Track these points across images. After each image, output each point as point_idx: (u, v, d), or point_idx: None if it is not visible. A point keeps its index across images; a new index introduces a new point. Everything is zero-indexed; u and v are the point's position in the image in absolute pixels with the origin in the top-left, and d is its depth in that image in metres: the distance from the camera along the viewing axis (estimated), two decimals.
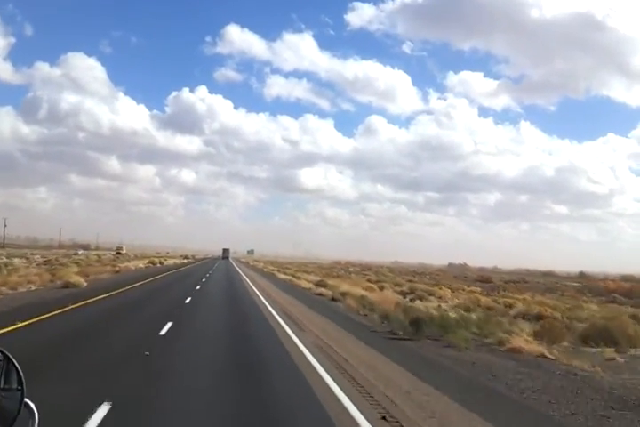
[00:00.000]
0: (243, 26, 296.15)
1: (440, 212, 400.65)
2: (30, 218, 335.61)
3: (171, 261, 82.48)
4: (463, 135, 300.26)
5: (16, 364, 1.90)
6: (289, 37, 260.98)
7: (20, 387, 1.89)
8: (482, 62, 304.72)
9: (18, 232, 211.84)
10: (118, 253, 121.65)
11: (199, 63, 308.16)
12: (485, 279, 76.38)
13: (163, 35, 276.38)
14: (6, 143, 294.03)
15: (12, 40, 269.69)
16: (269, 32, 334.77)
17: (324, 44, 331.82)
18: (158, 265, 71.96)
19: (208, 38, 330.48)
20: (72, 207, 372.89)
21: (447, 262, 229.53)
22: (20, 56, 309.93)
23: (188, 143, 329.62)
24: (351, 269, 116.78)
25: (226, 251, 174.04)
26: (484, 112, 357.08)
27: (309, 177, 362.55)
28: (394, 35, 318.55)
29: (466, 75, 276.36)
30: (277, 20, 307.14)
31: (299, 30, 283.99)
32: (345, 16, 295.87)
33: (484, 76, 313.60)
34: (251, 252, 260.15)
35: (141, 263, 65.15)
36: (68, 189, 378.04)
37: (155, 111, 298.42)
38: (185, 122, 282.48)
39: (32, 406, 1.90)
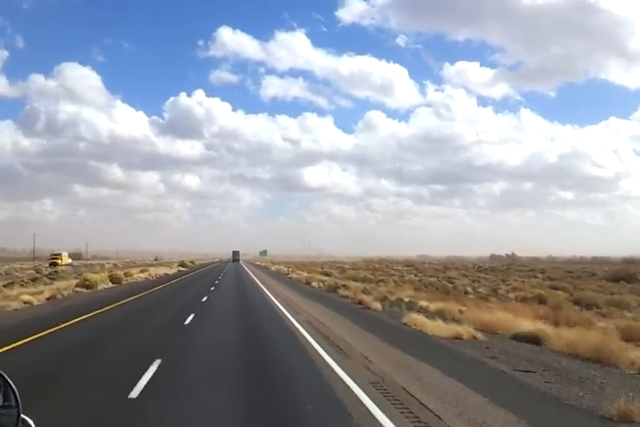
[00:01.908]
0: (234, 27, 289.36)
1: (446, 204, 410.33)
2: (38, 230, 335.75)
3: (151, 273, 57.62)
4: (463, 126, 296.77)
5: (10, 382, 1.89)
6: (282, 36, 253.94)
7: (16, 404, 1.89)
8: (477, 52, 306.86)
9: (24, 245, 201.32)
10: (53, 263, 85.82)
11: (193, 67, 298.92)
12: (624, 274, 50.64)
13: (154, 40, 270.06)
14: (8, 157, 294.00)
15: (5, 53, 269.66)
16: (262, 32, 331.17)
17: (318, 41, 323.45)
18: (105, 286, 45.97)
19: (200, 42, 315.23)
20: (78, 217, 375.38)
21: (477, 253, 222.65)
22: (14, 69, 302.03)
23: (190, 148, 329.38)
24: (396, 269, 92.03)
25: (236, 253, 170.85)
26: (482, 102, 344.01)
27: (313, 175, 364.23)
28: (387, 29, 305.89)
29: (462, 65, 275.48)
30: (269, 19, 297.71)
31: (291, 29, 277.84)
32: (336, 13, 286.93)
33: (481, 65, 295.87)
34: (263, 253, 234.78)
35: (70, 284, 31.18)
36: (73, 200, 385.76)
37: (154, 117, 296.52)
38: (184, 127, 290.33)
39: (30, 421, 1.90)
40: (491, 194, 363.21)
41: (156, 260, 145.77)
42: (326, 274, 63.92)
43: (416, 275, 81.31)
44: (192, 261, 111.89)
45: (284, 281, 48.78)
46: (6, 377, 1.96)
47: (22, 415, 1.91)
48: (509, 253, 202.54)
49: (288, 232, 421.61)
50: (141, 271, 56.02)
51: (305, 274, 55.73)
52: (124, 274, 44.42)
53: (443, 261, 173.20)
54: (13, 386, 1.95)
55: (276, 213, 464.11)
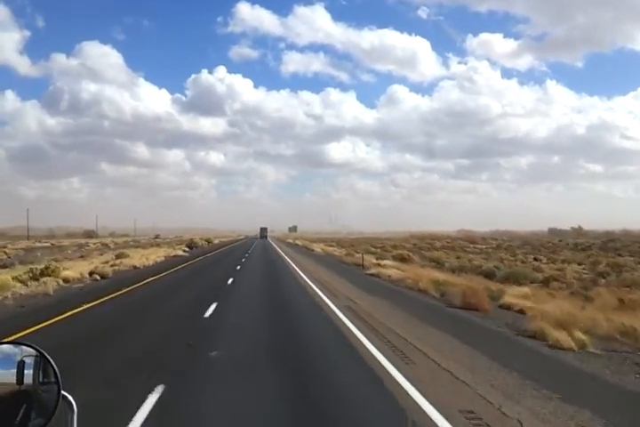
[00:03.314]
0: (253, 3, 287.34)
1: (472, 178, 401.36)
2: (67, 209, 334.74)
3: (135, 261, 35.05)
4: (488, 99, 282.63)
5: (50, 359, 1.83)
6: (301, 11, 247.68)
7: (56, 380, 1.83)
8: (501, 23, 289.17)
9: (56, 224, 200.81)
10: None
11: (213, 44, 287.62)
12: None
13: (174, 18, 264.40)
14: (35, 136, 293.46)
15: (27, 33, 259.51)
16: (280, 7, 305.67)
17: (337, 15, 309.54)
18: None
19: (219, 18, 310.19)
20: (105, 196, 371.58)
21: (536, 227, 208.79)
22: (35, 49, 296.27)
23: (213, 125, 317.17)
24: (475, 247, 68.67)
25: (263, 230, 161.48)
26: (507, 73, 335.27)
27: (336, 151, 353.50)
28: (407, 0, 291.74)
29: (485, 36, 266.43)
30: None
31: (310, 3, 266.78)
32: None
33: (504, 36, 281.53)
34: (293, 229, 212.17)
35: None
36: (100, 178, 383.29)
37: (176, 95, 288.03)
38: (207, 104, 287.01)
39: (70, 398, 1.89)
40: (518, 168, 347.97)
41: (156, 238, 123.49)
42: (436, 262, 40.86)
43: (513, 255, 57.60)
44: (208, 240, 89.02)
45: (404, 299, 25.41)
46: (45, 354, 1.84)
47: (63, 392, 1.83)
48: (575, 227, 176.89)
49: (314, 208, 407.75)
50: (105, 262, 33.54)
51: (389, 268, 32.13)
52: (50, 270, 21.75)
53: (492, 237, 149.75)
54: (53, 363, 1.83)
55: (300, 190, 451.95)
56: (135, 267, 31.36)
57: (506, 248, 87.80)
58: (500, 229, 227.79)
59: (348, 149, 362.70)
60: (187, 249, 61.57)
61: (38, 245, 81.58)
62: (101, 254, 47.62)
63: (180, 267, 31.34)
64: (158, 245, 76.58)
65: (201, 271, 29.08)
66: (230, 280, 21.95)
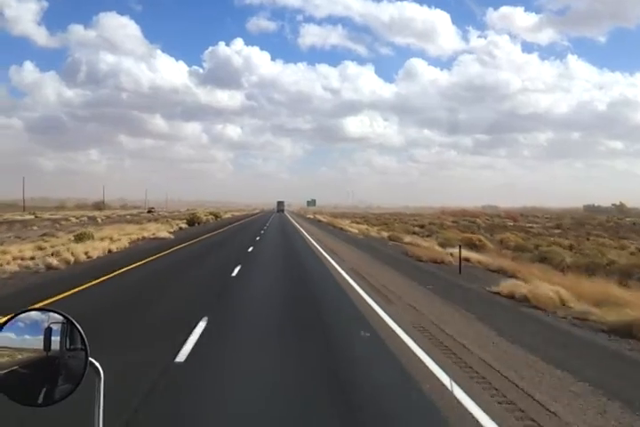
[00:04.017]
0: None
1: (491, 154, 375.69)
2: (85, 180, 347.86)
3: (86, 248, 22.12)
4: (508, 73, 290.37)
5: (77, 325, 1.80)
6: None
7: (83, 347, 1.82)
8: None
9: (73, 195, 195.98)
10: None
11: (231, 15, 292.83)
12: None
13: None
14: (54, 107, 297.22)
15: (45, 4, 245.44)
16: None
17: None
18: None
19: None
20: (123, 167, 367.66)
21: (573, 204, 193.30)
22: (53, 20, 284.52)
23: (230, 98, 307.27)
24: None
25: (280, 204, 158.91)
26: (527, 48, 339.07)
27: (354, 125, 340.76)
28: None
29: (506, 10, 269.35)
30: None
31: None
32: None
33: (525, 10, 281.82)
34: (311, 203, 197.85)
35: None
36: (118, 150, 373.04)
37: (194, 67, 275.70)
38: (224, 77, 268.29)
39: (97, 364, 1.84)
40: (537, 144, 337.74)
41: (150, 211, 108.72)
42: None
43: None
44: (216, 215, 75.16)
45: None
46: (73, 320, 1.81)
47: (90, 358, 1.81)
48: (617, 204, 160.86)
49: (331, 183, 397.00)
50: (40, 248, 20.55)
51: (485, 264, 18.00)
52: None
53: (527, 214, 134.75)
54: (80, 329, 1.81)
55: (317, 164, 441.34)
56: (67, 262, 17.91)
57: (568, 228, 73.34)
58: (527, 206, 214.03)
59: (366, 123, 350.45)
60: (183, 227, 48.09)
61: (18, 218, 68.87)
62: (71, 232, 34.78)
63: (132, 266, 17.48)
64: (156, 219, 63.33)
65: (158, 287, 15.31)
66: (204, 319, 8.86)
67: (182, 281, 14.25)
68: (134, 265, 17.51)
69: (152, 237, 31.08)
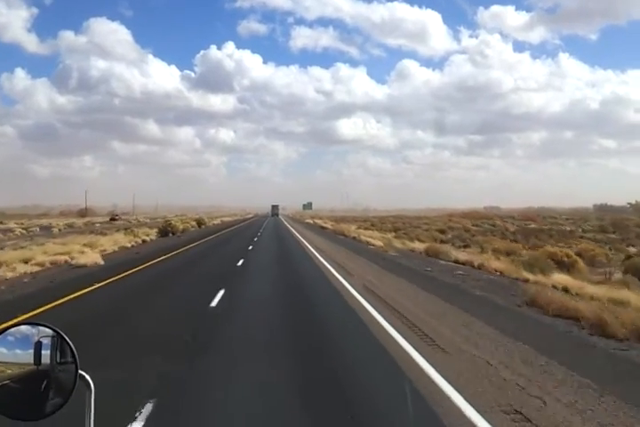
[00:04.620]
0: None
1: (484, 154, 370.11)
2: (79, 186, 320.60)
3: None
4: (500, 73, 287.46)
5: (67, 339, 1.78)
6: None
7: (73, 360, 1.79)
8: None
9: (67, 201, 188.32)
10: None
11: (221, 19, 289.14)
12: None
13: None
14: (46, 114, 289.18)
15: (35, 11, 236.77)
16: None
17: None
18: None
19: None
20: (117, 173, 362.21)
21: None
22: (43, 26, 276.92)
23: (222, 102, 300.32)
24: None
25: (275, 208, 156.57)
26: (519, 47, 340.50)
27: (347, 127, 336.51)
28: None
29: (497, 9, 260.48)
30: None
31: None
32: None
33: (516, 9, 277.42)
34: (308, 206, 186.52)
35: None
36: (112, 156, 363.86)
37: (186, 71, 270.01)
38: (216, 80, 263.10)
39: (87, 377, 1.82)
40: (530, 143, 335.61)
41: (113, 219, 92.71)
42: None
43: None
44: (199, 222, 63.09)
45: None
46: (62, 334, 1.80)
47: (80, 371, 1.80)
48: (632, 203, 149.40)
49: (325, 186, 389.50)
50: None
51: None
52: None
53: (540, 214, 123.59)
54: (70, 342, 1.80)
55: (311, 167, 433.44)
56: None
57: (604, 230, 62.25)
58: (532, 206, 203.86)
59: (359, 125, 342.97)
60: (149, 239, 36.44)
61: None
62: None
63: None
64: (125, 229, 51.60)
65: None
66: None
67: None
68: None
69: (68, 261, 19.34)
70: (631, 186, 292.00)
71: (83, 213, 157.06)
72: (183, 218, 70.56)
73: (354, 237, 38.22)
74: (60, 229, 51.90)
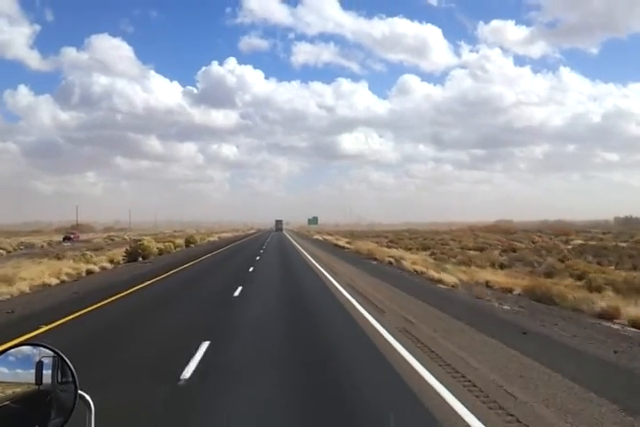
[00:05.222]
0: None
1: (487, 168, 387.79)
2: (82, 202, 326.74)
3: None
4: (501, 87, 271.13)
5: (66, 359, 1.77)
6: (310, 0, 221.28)
7: (73, 380, 1.77)
8: (512, 10, 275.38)
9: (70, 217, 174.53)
10: None
11: (222, 35, 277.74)
12: None
13: (182, 9, 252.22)
14: (49, 131, 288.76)
15: (37, 28, 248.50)
16: None
17: (347, 3, 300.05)
18: None
19: (228, 9, 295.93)
20: (120, 189, 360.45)
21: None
22: (45, 43, 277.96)
23: (225, 117, 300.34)
24: None
25: (278, 222, 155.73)
26: (520, 61, 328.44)
27: (349, 142, 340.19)
28: None
29: (497, 24, 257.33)
30: None
31: None
32: None
33: (516, 23, 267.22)
34: (313, 221, 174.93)
35: None
36: (114, 172, 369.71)
37: (188, 87, 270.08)
38: (218, 96, 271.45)
39: (87, 397, 1.81)
40: (533, 157, 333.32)
41: (67, 238, 73.49)
42: None
43: None
44: (189, 241, 51.66)
45: None
46: (62, 355, 1.79)
47: (80, 391, 1.79)
48: None
49: (328, 201, 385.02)
50: None
51: None
52: None
53: (560, 228, 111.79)
54: (69, 363, 1.79)
55: (314, 182, 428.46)
56: None
57: None
58: (547, 219, 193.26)
59: (361, 140, 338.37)
60: (101, 267, 25.26)
61: None
62: None
63: None
64: (92, 250, 40.47)
65: None
66: None
67: None
68: None
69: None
70: (637, 199, 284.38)
71: (75, 229, 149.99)
72: (167, 236, 59.49)
73: (390, 263, 27.07)
74: (9, 251, 40.94)
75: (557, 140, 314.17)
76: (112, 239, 73.22)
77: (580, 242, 61.88)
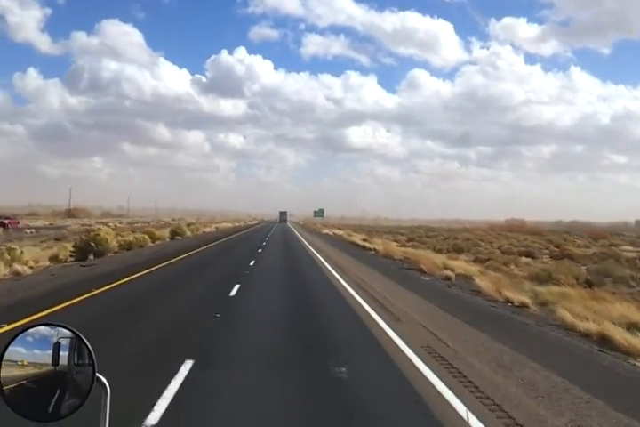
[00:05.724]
0: None
1: (494, 166, 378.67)
2: (87, 187, 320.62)
3: None
4: (511, 85, 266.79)
5: (85, 341, 1.75)
6: None
7: (91, 362, 1.76)
8: (525, 8, 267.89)
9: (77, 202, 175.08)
10: None
11: (233, 24, 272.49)
12: None
13: None
14: (57, 115, 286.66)
15: (48, 11, 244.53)
16: None
17: None
18: None
19: None
20: (127, 175, 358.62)
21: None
22: (56, 27, 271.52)
23: (233, 107, 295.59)
24: None
25: (283, 214, 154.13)
26: (530, 59, 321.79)
27: (357, 136, 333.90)
28: None
29: (508, 21, 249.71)
30: None
31: None
32: None
33: (528, 21, 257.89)
34: (319, 213, 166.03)
35: None
36: (122, 158, 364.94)
37: (196, 75, 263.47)
38: (227, 85, 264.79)
39: (104, 380, 1.78)
40: (540, 157, 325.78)
41: (2, 224, 53.83)
42: None
43: None
44: (175, 232, 42.15)
45: None
46: (81, 336, 1.76)
47: (97, 374, 1.76)
48: None
49: (334, 193, 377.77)
50: None
51: None
52: None
53: (596, 231, 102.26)
54: (88, 344, 1.77)
55: (320, 174, 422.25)
56: None
57: None
58: (562, 220, 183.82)
59: (369, 133, 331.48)
60: (27, 268, 16.37)
61: None
62: None
63: None
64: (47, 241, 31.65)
65: None
66: None
67: None
68: None
69: None
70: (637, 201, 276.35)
71: (70, 213, 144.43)
72: (161, 224, 50.71)
73: (447, 278, 18.02)
74: None
75: (565, 141, 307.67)
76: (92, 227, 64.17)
77: (628, 248, 52.66)
